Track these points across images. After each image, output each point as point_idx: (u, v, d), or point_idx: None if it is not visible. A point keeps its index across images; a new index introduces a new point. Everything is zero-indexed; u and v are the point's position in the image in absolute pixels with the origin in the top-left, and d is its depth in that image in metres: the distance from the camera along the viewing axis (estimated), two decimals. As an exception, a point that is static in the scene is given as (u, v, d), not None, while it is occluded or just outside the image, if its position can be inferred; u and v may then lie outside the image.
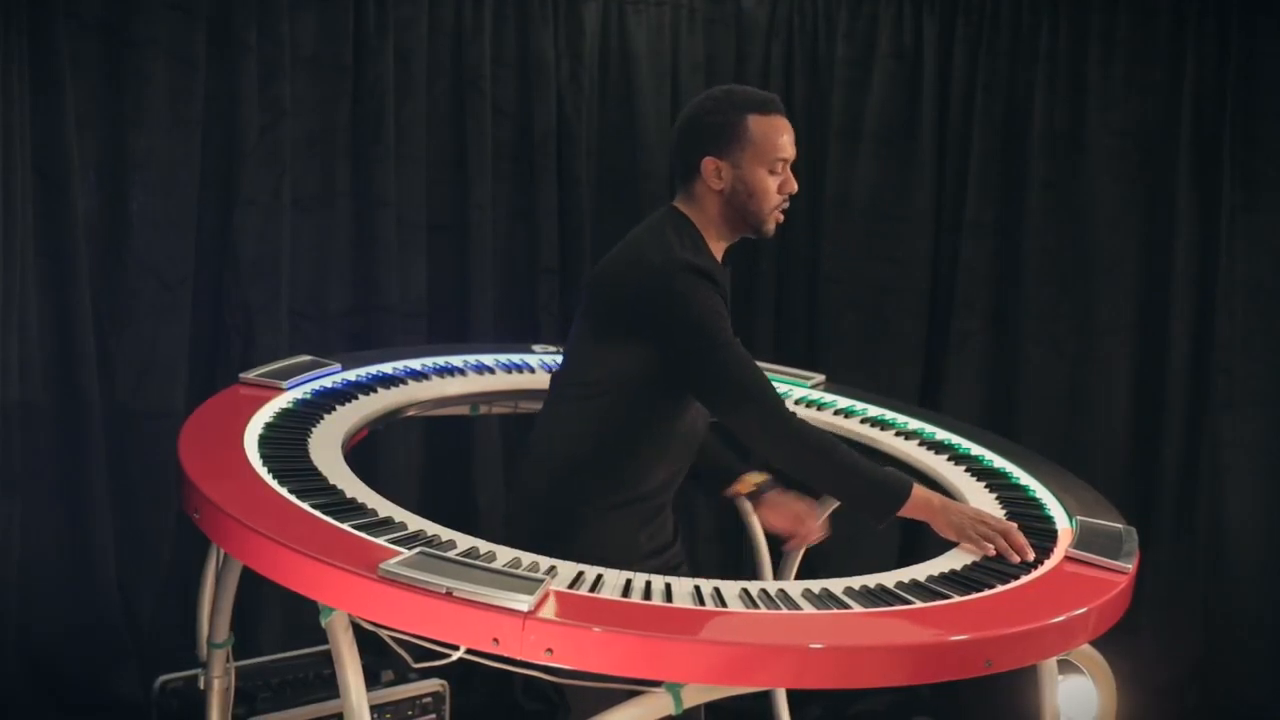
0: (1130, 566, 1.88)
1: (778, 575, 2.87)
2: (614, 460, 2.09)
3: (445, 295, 3.40)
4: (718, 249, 2.14)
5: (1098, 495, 2.26)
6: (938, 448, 2.47)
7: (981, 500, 2.19)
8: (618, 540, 2.06)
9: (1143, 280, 3.57)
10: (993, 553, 1.87)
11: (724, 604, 1.64)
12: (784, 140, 2.08)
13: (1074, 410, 3.62)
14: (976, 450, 2.48)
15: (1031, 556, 1.87)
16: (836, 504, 2.42)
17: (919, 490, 1.95)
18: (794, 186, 2.11)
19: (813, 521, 2.19)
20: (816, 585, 1.73)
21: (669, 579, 1.70)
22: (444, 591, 1.51)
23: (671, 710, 1.59)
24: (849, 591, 1.72)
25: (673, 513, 2.23)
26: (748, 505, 2.46)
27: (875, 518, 1.95)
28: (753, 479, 2.31)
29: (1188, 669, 3.57)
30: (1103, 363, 3.59)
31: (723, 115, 2.07)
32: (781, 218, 2.13)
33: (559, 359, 2.81)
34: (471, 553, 1.70)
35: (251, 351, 3.08)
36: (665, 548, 2.17)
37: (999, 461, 2.41)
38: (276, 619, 3.16)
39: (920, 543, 3.12)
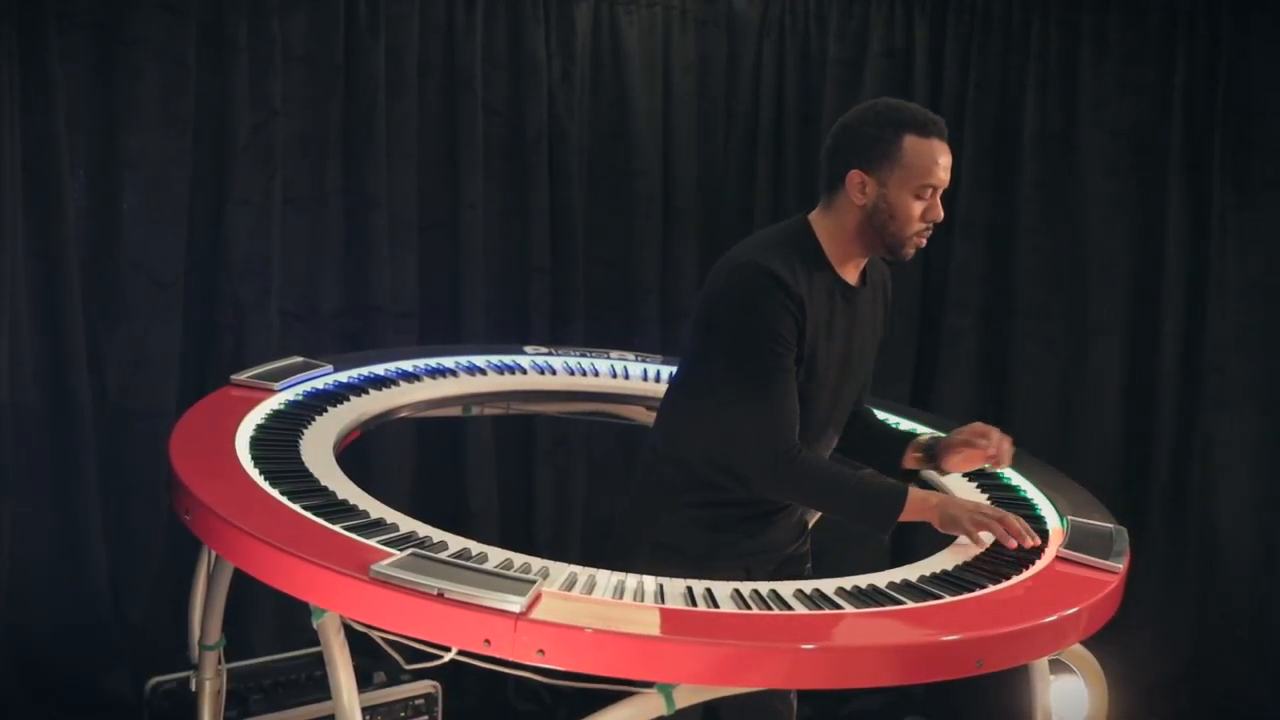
0: (1121, 566, 1.89)
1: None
2: (698, 462, 2.07)
3: (437, 295, 3.39)
4: (846, 262, 2.06)
5: (1089, 495, 2.27)
6: None
7: (973, 500, 2.19)
8: (689, 540, 2.06)
9: (1135, 279, 3.58)
10: (987, 544, 1.88)
11: (716, 604, 1.64)
12: (939, 166, 1.98)
13: (1066, 410, 3.63)
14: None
15: (1030, 543, 1.88)
16: None
17: (914, 493, 1.95)
18: (939, 214, 2.01)
19: (995, 436, 2.07)
20: (808, 586, 1.73)
21: (662, 580, 1.70)
22: (435, 593, 1.51)
23: (664, 711, 1.59)
24: (840, 592, 1.72)
25: (791, 523, 2.17)
26: (935, 475, 2.29)
27: (878, 530, 1.94)
28: (915, 453, 2.19)
29: (1180, 668, 3.58)
30: (1095, 362, 3.60)
31: (879, 129, 1.97)
32: (923, 243, 2.04)
33: (552, 359, 2.82)
34: (463, 554, 1.70)
35: (243, 351, 3.07)
36: (770, 549, 2.14)
37: None
38: (269, 620, 3.15)
39: (912, 543, 3.13)
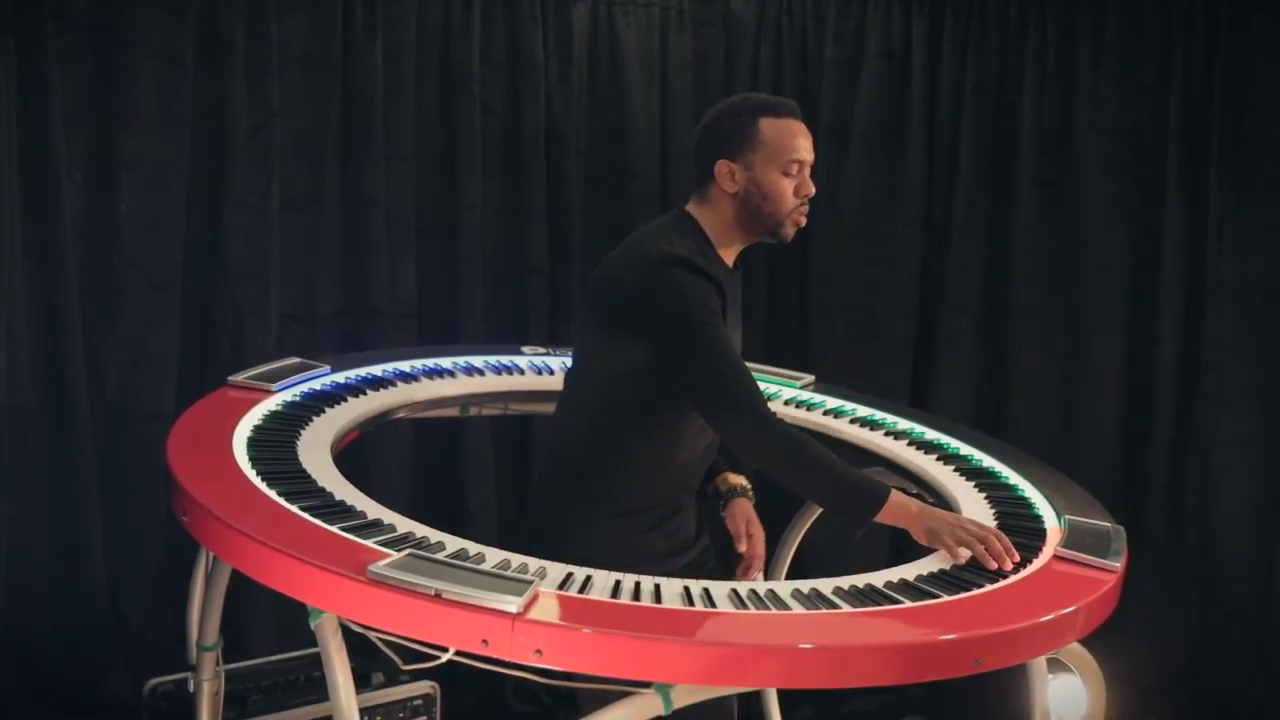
0: (1119, 565, 1.89)
1: (768, 575, 2.87)
2: (615, 465, 2.08)
3: (435, 296, 3.39)
4: (728, 253, 2.13)
5: (1086, 494, 2.26)
6: (927, 447, 2.47)
7: (970, 500, 2.19)
8: (621, 545, 2.05)
9: (1133, 279, 3.58)
10: (964, 560, 1.85)
11: (713, 604, 1.64)
12: (798, 143, 2.07)
13: (1064, 410, 3.63)
14: (966, 450, 2.48)
15: (1010, 564, 1.83)
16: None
17: (897, 496, 1.93)
18: (811, 189, 2.09)
19: (759, 546, 2.22)
20: (806, 585, 1.73)
21: (659, 580, 1.70)
22: (432, 593, 1.51)
23: (662, 711, 1.59)
24: (838, 591, 1.72)
25: (693, 510, 2.22)
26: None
27: (852, 523, 1.93)
28: (733, 478, 2.32)
29: (1178, 668, 3.58)
30: (1093, 362, 3.60)
31: (736, 118, 2.07)
32: (802, 221, 2.12)
33: (550, 360, 2.82)
34: (460, 554, 1.70)
35: (241, 352, 3.07)
36: (683, 548, 2.17)
37: (988, 461, 2.41)
38: (267, 621, 3.15)
39: (911, 542, 3.11)
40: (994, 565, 1.82)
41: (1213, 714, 3.55)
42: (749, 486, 2.33)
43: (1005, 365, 3.62)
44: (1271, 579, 3.52)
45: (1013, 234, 3.56)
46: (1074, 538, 1.97)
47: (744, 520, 2.25)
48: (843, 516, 1.96)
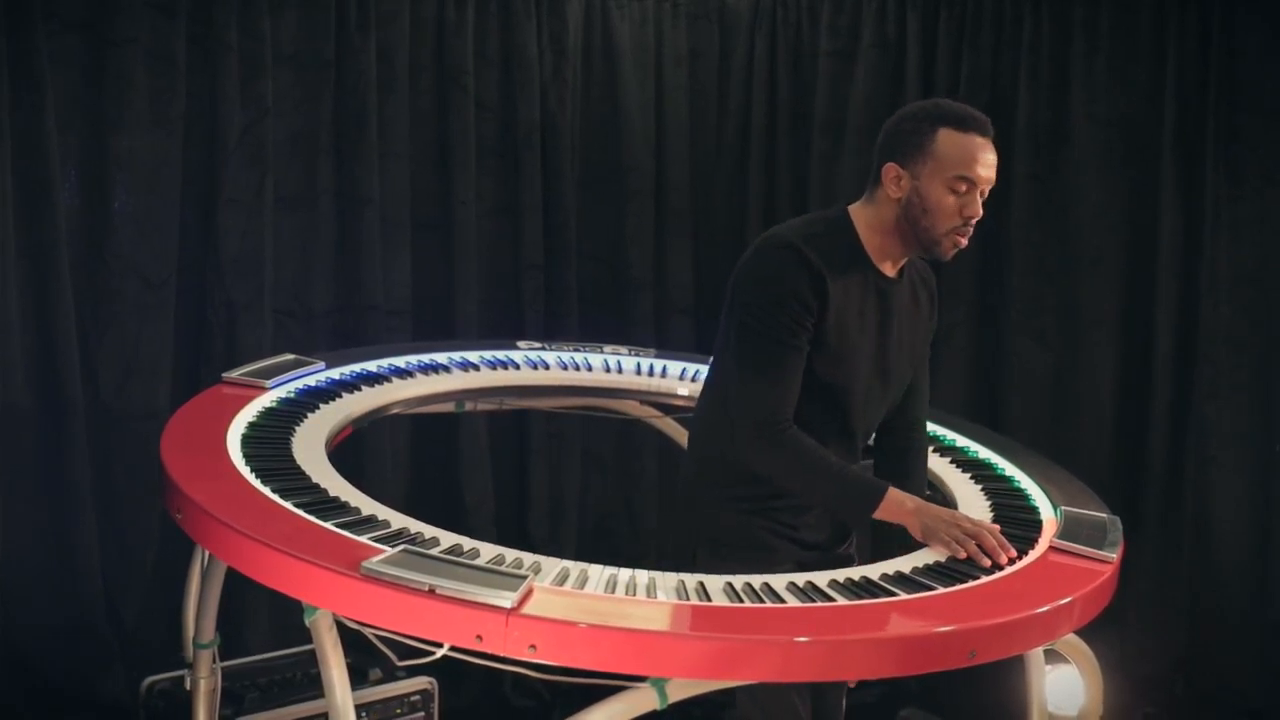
0: (1115, 556, 1.89)
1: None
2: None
3: (430, 292, 3.39)
4: (884, 258, 2.05)
5: (1082, 485, 2.27)
6: None
7: (967, 492, 2.19)
8: (744, 534, 2.05)
9: (1127, 272, 3.58)
10: (962, 556, 1.84)
11: (708, 598, 1.64)
12: (975, 161, 1.95)
13: (1059, 402, 3.63)
14: (962, 442, 2.49)
15: (1005, 560, 1.82)
16: None
17: (893, 493, 1.94)
18: (977, 211, 1.98)
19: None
20: (800, 578, 1.73)
21: (655, 574, 1.70)
22: (426, 589, 1.50)
23: (657, 705, 1.59)
24: (833, 584, 1.72)
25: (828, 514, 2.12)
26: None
27: (853, 521, 1.97)
28: None
29: (1174, 659, 3.58)
30: (1087, 354, 3.59)
31: (916, 123, 1.99)
32: (962, 242, 2.01)
33: (545, 354, 2.82)
34: (455, 550, 1.70)
35: (235, 350, 3.06)
36: (815, 546, 2.10)
37: (984, 453, 2.42)
38: (263, 618, 3.15)
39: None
40: (987, 562, 1.82)
41: (1208, 704, 3.55)
42: None
43: (1001, 357, 3.62)
44: (1266, 569, 3.52)
45: (1007, 226, 3.55)
46: (1070, 529, 1.98)
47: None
48: (842, 515, 1.97)
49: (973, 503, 2.14)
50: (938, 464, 2.36)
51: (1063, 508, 2.08)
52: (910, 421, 2.20)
